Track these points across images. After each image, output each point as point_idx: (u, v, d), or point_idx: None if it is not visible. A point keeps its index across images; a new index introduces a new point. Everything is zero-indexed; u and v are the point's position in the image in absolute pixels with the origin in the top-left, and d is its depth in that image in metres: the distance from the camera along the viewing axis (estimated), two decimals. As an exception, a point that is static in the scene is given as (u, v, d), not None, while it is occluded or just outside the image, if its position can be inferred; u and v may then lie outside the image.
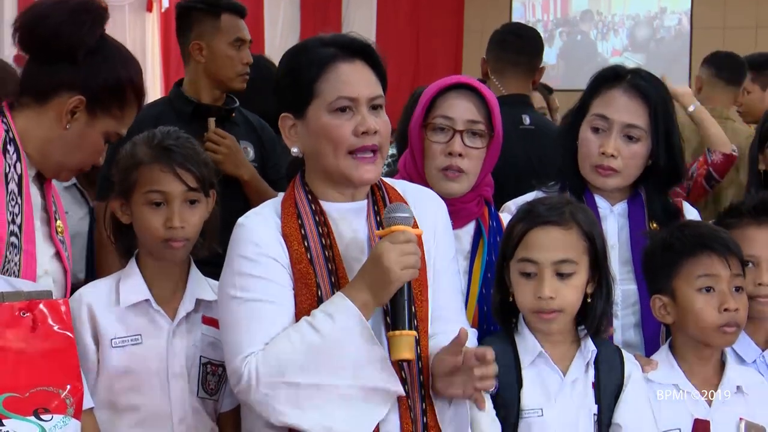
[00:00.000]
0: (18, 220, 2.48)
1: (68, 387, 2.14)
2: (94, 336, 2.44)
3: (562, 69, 9.98)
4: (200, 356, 2.47)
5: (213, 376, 2.48)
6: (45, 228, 2.56)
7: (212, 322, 2.48)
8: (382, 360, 2.16)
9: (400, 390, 2.18)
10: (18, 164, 2.50)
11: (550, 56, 9.99)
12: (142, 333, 2.45)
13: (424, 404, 2.27)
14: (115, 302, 2.46)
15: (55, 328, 2.16)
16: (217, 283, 2.51)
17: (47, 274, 2.55)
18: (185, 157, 2.48)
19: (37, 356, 2.12)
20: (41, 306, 2.15)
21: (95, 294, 2.48)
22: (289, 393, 2.15)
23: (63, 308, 2.18)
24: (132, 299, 2.46)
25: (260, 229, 2.28)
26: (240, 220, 2.32)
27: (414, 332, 2.20)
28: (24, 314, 2.13)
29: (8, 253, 2.47)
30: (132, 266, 2.52)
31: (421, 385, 2.27)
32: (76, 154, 2.52)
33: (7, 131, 2.51)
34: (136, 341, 2.44)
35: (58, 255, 2.55)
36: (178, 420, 2.44)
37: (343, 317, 2.13)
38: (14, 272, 2.46)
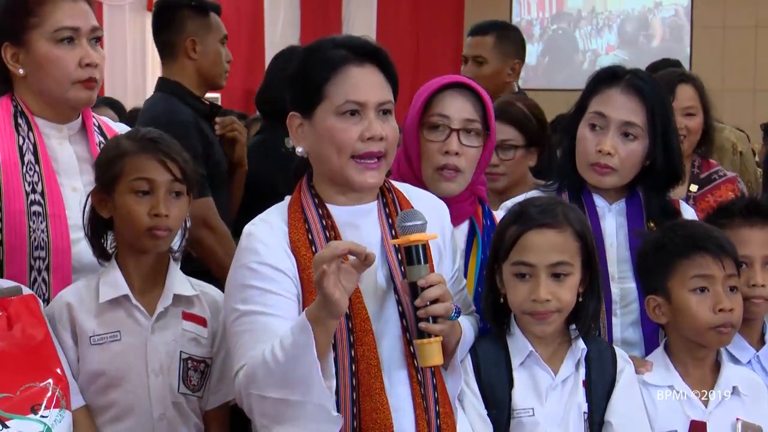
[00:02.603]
0: (39, 188, 2.55)
1: (53, 379, 2.17)
2: (73, 334, 2.44)
3: (556, 67, 9.99)
4: (180, 352, 2.47)
5: (195, 372, 2.49)
6: (92, 182, 2.62)
7: (193, 318, 2.50)
8: (320, 380, 2.11)
9: (333, 410, 2.14)
10: (30, 133, 2.62)
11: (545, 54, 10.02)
12: (121, 329, 2.46)
13: (437, 406, 2.28)
14: (94, 300, 2.47)
15: (30, 322, 2.19)
16: (198, 281, 2.58)
17: None
18: (170, 148, 2.51)
19: (19, 354, 2.15)
20: (15, 303, 2.18)
21: (74, 293, 2.49)
22: (262, 406, 2.16)
23: (31, 302, 2.22)
24: (111, 294, 2.47)
25: (266, 238, 2.27)
26: (246, 228, 2.31)
27: (440, 338, 2.20)
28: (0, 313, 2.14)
29: (31, 223, 2.53)
30: (112, 264, 2.52)
31: (434, 388, 2.29)
32: (47, 81, 2.64)
33: (15, 106, 2.65)
34: (114, 338, 2.45)
35: None
36: (158, 416, 2.45)
37: (298, 332, 2.10)
38: (43, 240, 2.53)
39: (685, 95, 3.82)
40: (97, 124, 2.79)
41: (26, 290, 2.38)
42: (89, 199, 2.54)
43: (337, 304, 2.06)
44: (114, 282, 2.48)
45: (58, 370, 2.17)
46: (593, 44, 9.92)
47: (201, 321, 2.52)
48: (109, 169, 2.49)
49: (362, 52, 2.30)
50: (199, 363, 2.50)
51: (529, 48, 9.96)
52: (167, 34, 3.90)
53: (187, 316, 2.51)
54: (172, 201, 2.49)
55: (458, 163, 2.64)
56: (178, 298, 2.51)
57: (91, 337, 2.44)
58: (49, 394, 2.13)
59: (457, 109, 2.66)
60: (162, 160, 2.47)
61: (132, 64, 7.87)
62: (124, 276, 2.49)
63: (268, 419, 2.17)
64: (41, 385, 2.13)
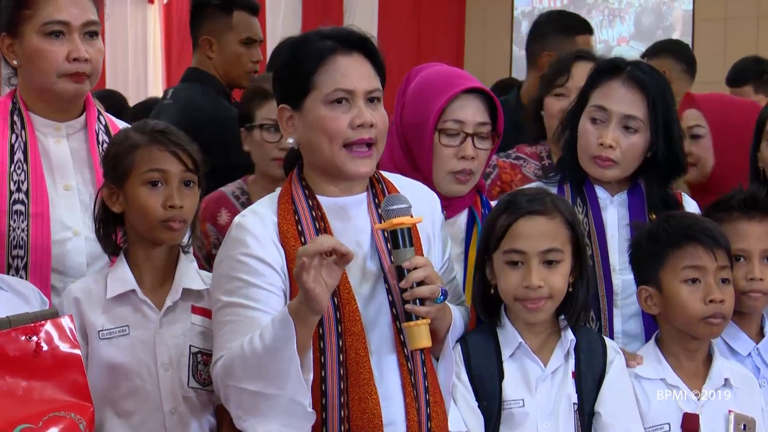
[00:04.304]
0: (24, 187, 2.56)
1: (79, 410, 2.12)
2: (81, 329, 2.44)
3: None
4: (190, 346, 2.47)
5: (205, 366, 2.47)
6: (87, 186, 2.66)
7: (202, 312, 2.49)
8: (298, 374, 2.12)
9: (309, 406, 2.15)
10: (23, 131, 2.63)
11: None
12: (130, 324, 2.46)
13: (427, 395, 2.29)
14: (102, 294, 2.47)
15: (62, 348, 2.14)
16: (209, 274, 2.54)
17: (77, 235, 2.62)
18: (179, 139, 2.51)
19: (46, 381, 2.10)
20: (47, 327, 2.13)
21: (83, 288, 2.50)
22: (238, 398, 2.18)
23: (68, 324, 2.16)
24: (118, 290, 2.47)
25: (255, 230, 2.28)
26: (236, 219, 2.33)
27: (428, 320, 2.21)
28: (30, 339, 2.11)
29: (12, 222, 2.53)
30: (120, 260, 2.52)
31: (425, 377, 2.30)
32: (35, 73, 2.66)
33: (14, 103, 2.66)
34: (123, 332, 2.45)
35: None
36: (170, 410, 2.44)
37: (279, 326, 2.11)
38: (22, 239, 2.53)
39: (581, 75, 3.33)
40: (104, 122, 2.79)
41: (63, 311, 2.36)
42: (98, 195, 2.54)
43: (317, 300, 2.07)
44: (122, 277, 2.48)
45: (85, 401, 2.13)
46: (605, 35, 9.84)
47: (210, 315, 2.49)
48: (119, 162, 2.49)
49: (349, 42, 2.32)
50: (209, 357, 2.47)
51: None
52: (192, 29, 3.96)
53: (197, 310, 2.50)
54: (185, 192, 2.49)
55: (472, 166, 2.67)
56: (187, 292, 2.51)
57: (99, 331, 2.45)
58: (70, 425, 2.09)
59: (471, 113, 2.67)
60: (174, 151, 2.47)
61: (133, 57, 7.85)
62: (134, 271, 2.49)
63: (243, 410, 2.18)
64: (65, 415, 2.10)
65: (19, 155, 2.61)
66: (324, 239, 2.11)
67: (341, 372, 2.23)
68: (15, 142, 2.62)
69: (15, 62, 2.68)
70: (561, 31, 4.19)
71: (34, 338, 2.11)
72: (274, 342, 2.10)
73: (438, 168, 2.68)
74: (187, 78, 3.99)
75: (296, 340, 2.09)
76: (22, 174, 2.59)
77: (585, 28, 4.30)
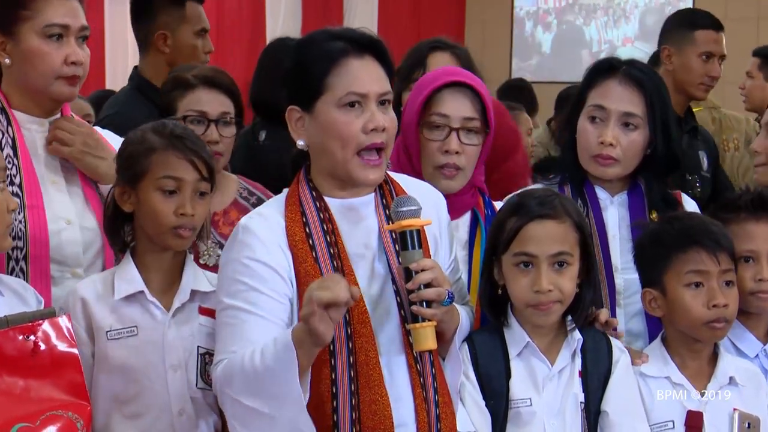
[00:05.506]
0: (17, 180, 2.59)
1: (76, 409, 2.13)
2: (88, 329, 2.44)
3: (570, 58, 9.92)
4: (198, 346, 2.47)
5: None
6: (71, 180, 2.69)
7: (209, 313, 2.48)
8: (299, 402, 2.11)
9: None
10: (10, 128, 2.66)
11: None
12: (138, 325, 2.45)
13: (436, 396, 2.29)
14: (110, 295, 2.47)
15: (60, 347, 2.15)
16: (214, 275, 2.53)
17: (71, 224, 2.64)
18: (196, 145, 2.50)
19: (41, 381, 2.12)
20: (45, 326, 2.14)
21: (90, 287, 2.49)
22: (234, 408, 2.17)
23: (65, 324, 2.17)
24: (126, 291, 2.46)
25: (261, 233, 2.27)
26: (242, 221, 2.32)
27: (434, 322, 2.21)
28: (27, 338, 2.12)
29: None
30: (127, 259, 2.52)
31: (434, 378, 2.30)
32: (32, 73, 2.67)
33: None
34: (131, 333, 2.44)
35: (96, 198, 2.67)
36: (178, 411, 2.44)
37: (282, 349, 2.10)
38: (20, 230, 2.55)
39: (437, 65, 3.34)
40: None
41: (60, 311, 2.37)
42: (111, 192, 2.55)
43: (321, 336, 2.06)
44: (130, 278, 2.48)
45: (83, 400, 2.14)
46: (609, 35, 9.81)
47: None
48: (135, 163, 2.48)
49: (360, 44, 2.30)
50: None
51: (544, 38, 9.96)
52: (140, 26, 3.86)
53: (204, 311, 2.50)
54: (198, 200, 2.48)
55: (458, 161, 2.66)
56: (194, 293, 2.51)
57: (108, 332, 2.44)
58: (68, 424, 2.09)
59: (456, 107, 2.67)
60: (191, 159, 2.46)
61: (133, 57, 7.84)
62: (141, 271, 2.49)
63: (238, 422, 2.18)
64: (63, 414, 2.10)
65: (8, 150, 2.63)
66: (342, 292, 2.05)
67: (352, 374, 2.22)
68: (2, 138, 2.64)
69: (7, 61, 2.69)
70: (681, 24, 4.18)
71: (32, 338, 2.12)
72: (275, 363, 2.09)
73: (425, 163, 2.69)
74: (130, 78, 3.88)
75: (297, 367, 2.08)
76: (14, 168, 2.61)
77: (708, 23, 4.22)
